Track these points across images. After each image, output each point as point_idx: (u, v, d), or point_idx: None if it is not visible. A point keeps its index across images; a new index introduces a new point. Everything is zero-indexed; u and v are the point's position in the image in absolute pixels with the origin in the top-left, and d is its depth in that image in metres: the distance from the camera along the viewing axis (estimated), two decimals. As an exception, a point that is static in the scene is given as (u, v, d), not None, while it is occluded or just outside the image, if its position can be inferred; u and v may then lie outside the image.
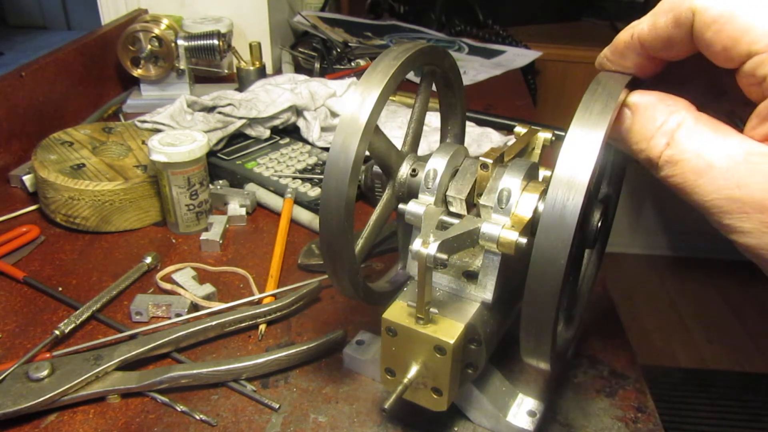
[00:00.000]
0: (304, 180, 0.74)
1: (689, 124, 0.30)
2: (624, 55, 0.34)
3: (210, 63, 1.04)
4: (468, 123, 0.54)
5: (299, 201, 0.71)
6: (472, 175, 0.41)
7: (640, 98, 0.32)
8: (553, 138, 0.45)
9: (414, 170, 0.44)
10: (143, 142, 0.75)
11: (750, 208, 0.28)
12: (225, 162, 0.77)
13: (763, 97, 0.28)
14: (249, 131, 0.83)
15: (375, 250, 0.63)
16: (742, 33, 0.28)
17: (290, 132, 0.86)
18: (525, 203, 0.38)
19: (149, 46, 0.98)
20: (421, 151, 0.47)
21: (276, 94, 0.85)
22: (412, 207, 0.41)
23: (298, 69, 1.17)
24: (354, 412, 0.46)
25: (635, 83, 0.34)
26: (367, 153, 0.39)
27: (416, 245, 0.34)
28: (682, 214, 2.14)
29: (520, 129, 0.47)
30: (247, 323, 0.53)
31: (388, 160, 0.43)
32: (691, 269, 2.25)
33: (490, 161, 0.40)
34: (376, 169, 0.45)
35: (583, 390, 0.48)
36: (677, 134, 0.30)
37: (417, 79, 1.09)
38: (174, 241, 0.66)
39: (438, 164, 0.42)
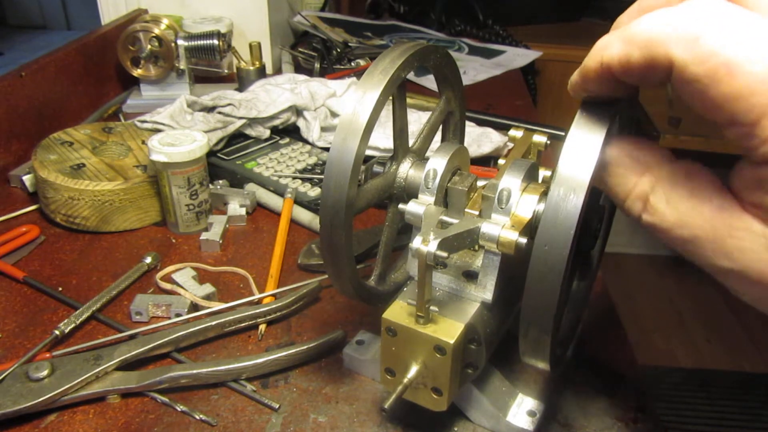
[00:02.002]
0: (304, 180, 0.74)
1: (663, 189, 0.28)
2: (594, 82, 0.30)
3: (210, 63, 1.04)
4: (468, 123, 0.54)
5: (299, 201, 0.71)
6: (471, 177, 0.41)
7: (612, 152, 0.30)
8: (548, 142, 0.45)
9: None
10: (143, 142, 0.75)
11: (747, 280, 0.27)
12: (225, 162, 0.77)
13: (755, 160, 0.25)
14: (249, 131, 0.83)
15: (375, 250, 0.63)
16: (728, 100, 0.24)
17: (290, 132, 0.86)
18: (525, 203, 0.38)
19: (149, 46, 0.98)
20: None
21: (276, 94, 0.85)
22: (412, 207, 0.41)
23: (298, 69, 1.17)
24: (354, 412, 0.46)
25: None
26: (367, 153, 0.39)
27: (416, 243, 0.34)
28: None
29: (515, 133, 0.47)
30: (247, 323, 0.53)
31: (398, 140, 0.43)
32: (691, 269, 2.23)
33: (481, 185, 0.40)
34: (376, 169, 0.45)
35: (583, 390, 0.48)
36: (652, 200, 0.29)
37: (417, 79, 1.09)
38: (174, 241, 0.66)
39: (438, 164, 0.42)
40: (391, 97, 0.39)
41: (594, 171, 0.29)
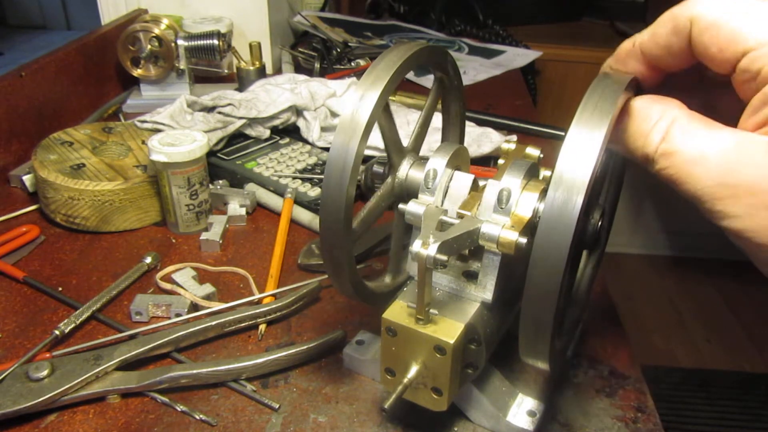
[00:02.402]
0: (304, 180, 0.74)
1: (683, 120, 0.31)
2: (626, 64, 0.36)
3: (210, 63, 1.04)
4: (468, 123, 0.54)
5: (299, 201, 0.71)
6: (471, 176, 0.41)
7: (636, 102, 0.33)
8: (541, 156, 0.45)
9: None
10: (143, 142, 0.75)
11: (740, 191, 0.29)
12: (225, 162, 0.77)
13: (756, 92, 0.30)
14: (249, 131, 0.83)
15: (375, 250, 0.63)
16: (735, 34, 0.30)
17: (290, 132, 0.86)
18: (525, 203, 0.38)
19: (149, 46, 0.98)
20: (422, 151, 0.47)
21: (276, 94, 0.85)
22: (412, 207, 0.41)
23: (298, 69, 1.17)
24: (354, 412, 0.46)
25: (635, 83, 0.34)
26: (367, 152, 0.39)
27: (416, 246, 0.34)
28: (682, 214, 2.14)
29: (507, 146, 0.47)
30: (247, 323, 0.53)
31: (396, 144, 0.43)
32: (691, 269, 2.25)
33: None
34: (376, 168, 0.45)
35: (583, 390, 0.48)
36: (672, 129, 0.31)
37: (417, 79, 1.09)
38: (174, 241, 0.67)
39: (438, 164, 0.42)
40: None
41: (608, 135, 0.31)
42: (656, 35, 0.33)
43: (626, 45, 0.35)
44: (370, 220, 0.44)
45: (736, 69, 0.30)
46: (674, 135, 0.31)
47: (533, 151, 0.46)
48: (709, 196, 0.30)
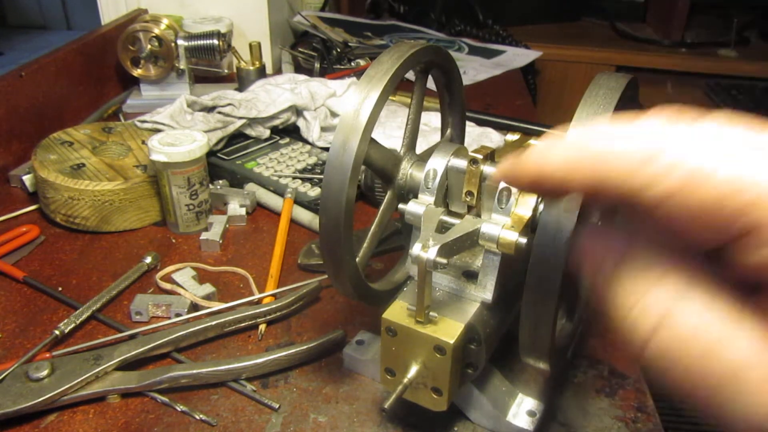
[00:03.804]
0: (304, 180, 0.74)
1: (684, 306, 0.19)
2: (529, 187, 0.24)
3: (210, 63, 1.04)
4: (468, 123, 0.54)
5: (299, 201, 0.71)
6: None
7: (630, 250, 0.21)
8: None
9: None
10: (143, 142, 0.75)
11: None
12: (225, 162, 0.77)
13: None
14: (249, 131, 0.83)
15: (375, 250, 0.63)
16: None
17: (290, 132, 0.86)
18: (525, 202, 0.38)
19: (149, 46, 0.98)
20: (421, 150, 0.47)
21: (276, 94, 0.85)
22: (412, 207, 0.41)
23: (298, 69, 1.17)
24: (354, 412, 0.46)
25: (635, 83, 0.34)
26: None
27: (416, 249, 0.34)
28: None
29: (511, 137, 0.47)
30: (247, 323, 0.53)
31: (387, 167, 0.43)
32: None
33: (480, 156, 0.40)
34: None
35: (583, 390, 0.48)
36: (676, 311, 0.19)
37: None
38: (174, 241, 0.66)
39: (438, 164, 0.42)
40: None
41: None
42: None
43: (530, 169, 0.22)
44: (379, 234, 0.44)
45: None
46: (683, 321, 0.19)
47: (537, 143, 0.45)
48: (744, 411, 0.18)
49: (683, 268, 0.20)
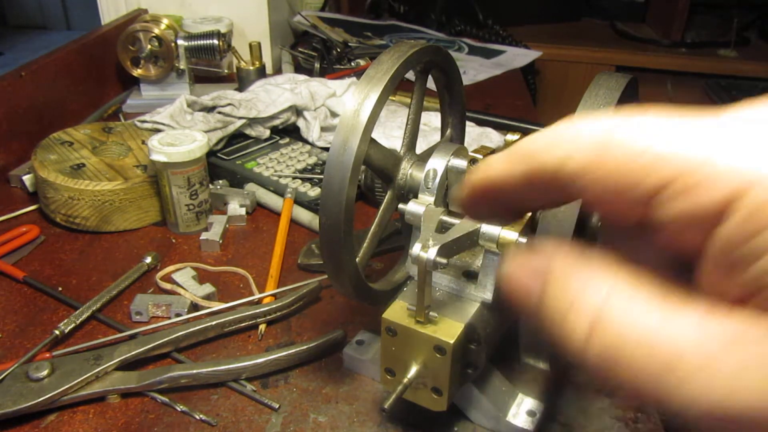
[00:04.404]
0: (304, 180, 0.74)
1: (622, 298, 0.19)
2: (479, 204, 0.24)
3: (210, 63, 1.04)
4: (468, 123, 0.54)
5: (299, 201, 0.71)
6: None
7: (554, 259, 0.21)
8: None
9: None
10: (143, 142, 0.75)
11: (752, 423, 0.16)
12: (225, 162, 0.77)
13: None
14: (249, 131, 0.83)
15: (375, 250, 0.63)
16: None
17: (290, 132, 0.86)
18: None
19: (149, 46, 0.98)
20: (421, 150, 0.47)
21: (276, 94, 0.85)
22: (412, 207, 0.41)
23: (298, 69, 1.17)
24: (354, 412, 0.46)
25: (635, 84, 0.34)
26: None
27: (416, 249, 0.34)
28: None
29: (511, 137, 0.47)
30: (247, 323, 0.53)
31: (387, 167, 0.43)
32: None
33: (480, 156, 0.40)
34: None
35: (583, 390, 0.48)
36: (607, 314, 0.19)
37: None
38: (174, 241, 0.66)
39: (438, 164, 0.42)
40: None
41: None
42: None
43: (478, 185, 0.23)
44: (379, 234, 0.44)
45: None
46: (612, 319, 0.19)
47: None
48: (684, 406, 0.17)
49: (609, 264, 0.20)
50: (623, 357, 0.18)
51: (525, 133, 0.48)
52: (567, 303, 0.20)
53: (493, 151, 0.41)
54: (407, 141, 0.45)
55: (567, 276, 0.20)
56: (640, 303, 0.19)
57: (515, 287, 0.22)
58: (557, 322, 0.20)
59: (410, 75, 0.43)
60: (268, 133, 0.84)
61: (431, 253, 0.34)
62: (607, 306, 0.19)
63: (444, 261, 0.34)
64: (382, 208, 0.44)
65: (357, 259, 0.42)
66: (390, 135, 0.83)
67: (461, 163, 0.41)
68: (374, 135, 0.39)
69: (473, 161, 0.40)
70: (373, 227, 0.44)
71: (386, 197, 0.44)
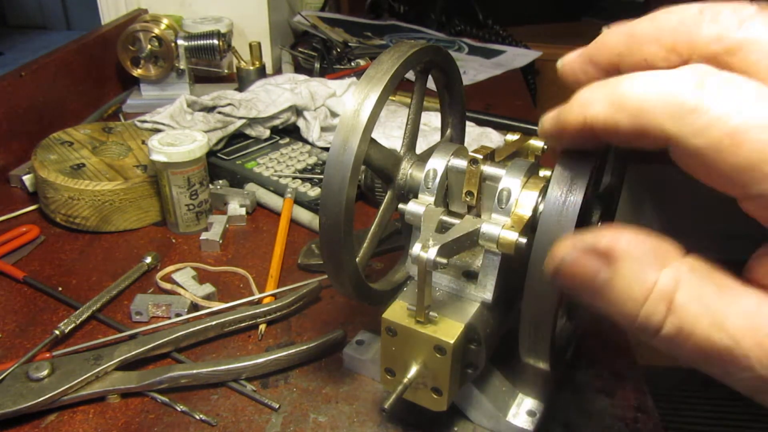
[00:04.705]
0: (304, 180, 0.74)
1: (691, 284, 0.22)
2: (573, 138, 0.27)
3: (210, 63, 1.04)
4: (468, 123, 0.54)
5: (299, 201, 0.71)
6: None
7: (619, 242, 0.23)
8: (545, 147, 0.45)
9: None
10: (143, 142, 0.75)
11: None
12: (225, 162, 0.77)
13: None
14: (249, 131, 0.83)
15: (375, 250, 0.63)
16: (737, 171, 0.21)
17: (290, 132, 0.86)
18: (525, 202, 0.38)
19: (149, 46, 0.98)
20: (421, 150, 0.47)
21: (276, 94, 0.85)
22: (412, 207, 0.41)
23: (298, 69, 1.17)
24: (354, 412, 0.46)
25: None
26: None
27: (416, 249, 0.34)
28: (683, 214, 2.14)
29: (511, 137, 0.47)
30: (247, 323, 0.53)
31: (387, 167, 0.43)
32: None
33: (480, 156, 0.40)
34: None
35: (583, 390, 0.48)
36: (679, 298, 0.22)
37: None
38: (174, 240, 0.66)
39: (438, 164, 0.42)
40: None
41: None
42: (615, 129, 0.24)
43: (573, 121, 0.26)
44: (379, 234, 0.44)
45: (745, 206, 0.22)
46: (687, 307, 0.21)
47: (538, 143, 0.45)
48: (749, 383, 0.22)
49: (674, 245, 0.23)
50: (696, 335, 0.21)
51: (525, 133, 0.48)
52: (641, 284, 0.22)
53: (493, 151, 0.41)
54: (407, 141, 0.45)
55: (638, 258, 0.22)
56: (709, 285, 0.22)
57: (575, 270, 0.23)
58: (630, 302, 0.22)
59: (410, 75, 0.43)
60: (268, 133, 0.84)
61: (431, 253, 0.34)
62: (683, 288, 0.22)
63: (444, 261, 0.34)
64: (382, 208, 0.44)
65: (357, 259, 0.42)
66: (390, 135, 0.83)
67: (461, 163, 0.41)
68: (374, 135, 0.39)
69: (473, 161, 0.40)
70: (373, 227, 0.44)
71: (386, 197, 0.44)
